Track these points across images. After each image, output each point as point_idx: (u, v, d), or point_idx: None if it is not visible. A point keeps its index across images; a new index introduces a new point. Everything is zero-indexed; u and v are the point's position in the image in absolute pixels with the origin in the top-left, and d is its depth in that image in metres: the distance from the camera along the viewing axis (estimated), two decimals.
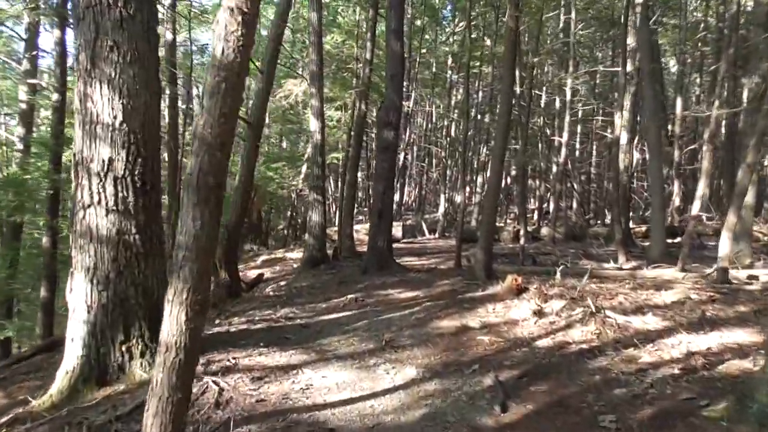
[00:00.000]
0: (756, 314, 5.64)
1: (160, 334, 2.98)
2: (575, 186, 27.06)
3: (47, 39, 23.54)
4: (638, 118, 19.88)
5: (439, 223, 21.88)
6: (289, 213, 22.78)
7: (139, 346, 4.76)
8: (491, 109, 25.78)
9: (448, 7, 26.93)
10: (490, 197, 8.42)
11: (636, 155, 22.07)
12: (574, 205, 27.86)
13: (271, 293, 9.21)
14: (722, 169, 20.79)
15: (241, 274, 15.33)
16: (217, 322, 7.14)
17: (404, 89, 26.00)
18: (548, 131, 27.37)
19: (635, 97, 13.24)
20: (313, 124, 12.23)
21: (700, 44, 21.20)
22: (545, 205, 26.35)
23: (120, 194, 4.73)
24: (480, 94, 26.73)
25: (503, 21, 17.81)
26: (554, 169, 26.35)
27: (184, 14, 14.83)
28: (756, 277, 8.12)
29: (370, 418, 3.81)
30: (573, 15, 16.34)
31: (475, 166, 26.19)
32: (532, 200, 29.52)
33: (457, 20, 25.68)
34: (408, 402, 4.06)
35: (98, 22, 4.63)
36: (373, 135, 21.28)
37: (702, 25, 20.76)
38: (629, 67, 13.14)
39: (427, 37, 28.88)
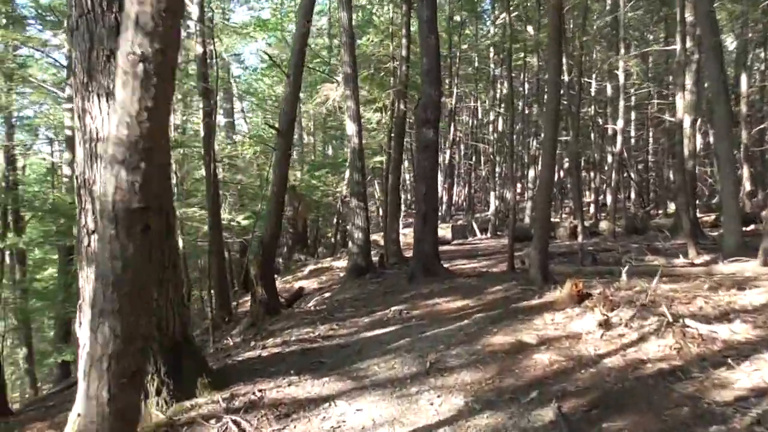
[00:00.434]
0: None
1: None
2: (632, 176, 25.63)
3: None
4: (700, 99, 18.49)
5: (491, 222, 21.03)
6: (335, 220, 22.42)
7: (155, 384, 4.33)
8: (539, 100, 24.73)
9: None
10: (543, 192, 7.68)
11: (698, 139, 20.60)
12: (632, 195, 26.40)
13: (312, 308, 8.74)
14: None
15: (288, 285, 15.15)
16: (252, 344, 6.71)
17: (446, 86, 25.33)
18: (600, 120, 26.07)
19: (698, 75, 12.15)
20: (350, 128, 11.75)
21: (762, 14, 19.56)
22: (601, 198, 25.08)
23: None
24: (526, 85, 25.71)
25: (545, 7, 16.94)
26: (609, 159, 25.11)
27: (216, 27, 14.69)
28: None
29: None
30: None
31: (525, 160, 25.19)
32: (587, 193, 28.21)
33: (497, 11, 24.77)
34: None
35: (92, 30, 4.22)
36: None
37: None
38: (688, 44, 12.08)
39: (467, 32, 28.07)
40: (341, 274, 12.78)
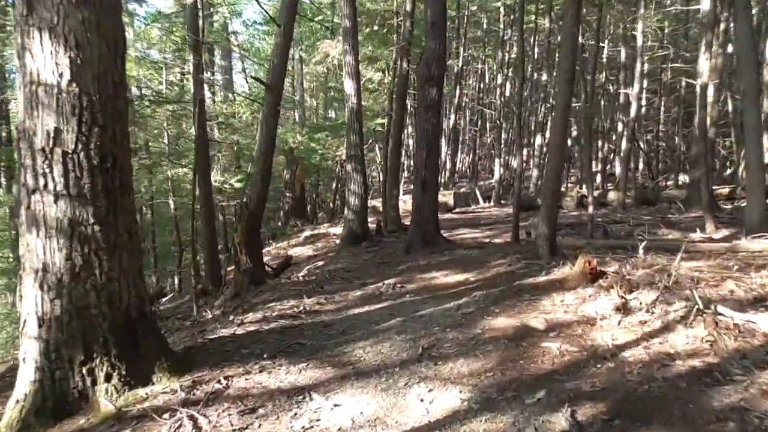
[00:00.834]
0: None
1: None
2: (641, 145, 24.75)
3: None
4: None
5: (495, 190, 20.35)
6: (334, 185, 21.77)
7: (104, 368, 3.75)
8: (549, 63, 23.74)
9: None
10: (554, 158, 6.98)
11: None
12: (640, 166, 25.57)
13: (302, 278, 8.15)
14: None
15: (282, 252, 14.58)
16: (231, 318, 6.14)
17: (453, 48, 24.28)
18: (611, 87, 25.03)
19: (725, 36, 11.27)
20: (348, 86, 10.99)
21: None
22: (609, 167, 24.27)
23: (71, 174, 3.67)
24: (536, 49, 24.62)
25: None
26: (620, 127, 24.22)
27: None
28: None
29: None
30: None
31: (532, 127, 24.32)
32: (593, 162, 27.38)
33: None
34: None
35: None
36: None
37: None
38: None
39: None
40: (338, 242, 12.19)
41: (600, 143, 24.66)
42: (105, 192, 3.83)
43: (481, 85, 30.98)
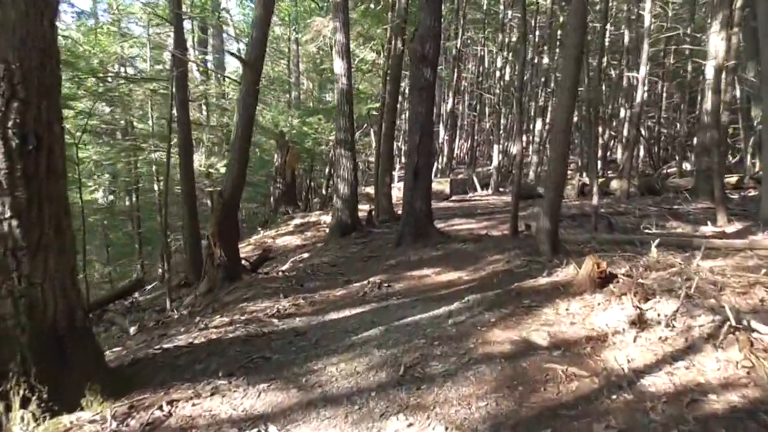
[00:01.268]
0: None
1: None
2: (642, 132, 24.04)
3: None
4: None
5: (493, 178, 19.68)
6: (327, 170, 21.05)
7: (21, 391, 3.11)
8: (551, 46, 22.99)
9: None
10: (558, 146, 6.31)
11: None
12: (641, 152, 24.88)
13: (282, 273, 7.53)
14: None
15: (269, 241, 13.95)
16: (197, 320, 5.52)
17: (452, 29, 23.47)
18: (612, 71, 24.25)
19: (742, 12, 10.56)
20: (338, 65, 10.29)
21: None
22: (609, 154, 23.59)
23: None
24: (537, 32, 23.78)
25: None
26: (622, 113, 23.49)
27: None
28: None
29: None
30: None
31: (532, 113, 23.59)
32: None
33: None
34: None
35: None
36: None
37: None
38: None
39: None
40: (328, 230, 11.57)
41: (600, 129, 23.96)
42: (26, 179, 3.19)
43: (480, 69, 30.13)
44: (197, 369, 3.87)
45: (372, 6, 14.66)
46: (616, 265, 5.15)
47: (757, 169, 14.60)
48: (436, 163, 23.61)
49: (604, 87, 21.54)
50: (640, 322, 3.76)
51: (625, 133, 22.94)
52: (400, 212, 11.61)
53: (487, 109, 31.65)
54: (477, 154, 29.64)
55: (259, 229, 16.83)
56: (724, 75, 10.32)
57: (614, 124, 25.40)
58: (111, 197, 15.84)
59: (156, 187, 15.17)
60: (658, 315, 3.83)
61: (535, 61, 23.55)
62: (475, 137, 29.24)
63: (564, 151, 6.31)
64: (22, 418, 3.09)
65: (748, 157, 15.75)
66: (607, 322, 3.91)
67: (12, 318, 3.15)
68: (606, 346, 3.59)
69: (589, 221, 9.35)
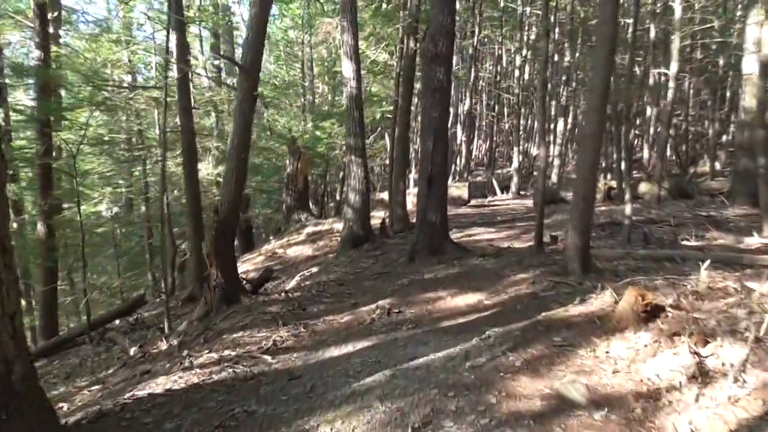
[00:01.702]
0: None
1: None
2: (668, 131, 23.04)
3: None
4: None
5: (513, 181, 18.93)
6: (341, 175, 20.48)
7: None
8: (572, 42, 22.16)
9: None
10: (588, 151, 5.60)
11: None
12: (667, 152, 23.85)
13: (284, 294, 6.91)
14: None
15: (280, 251, 13.40)
16: (185, 353, 4.94)
17: (469, 27, 22.76)
18: (637, 68, 23.30)
19: None
20: (347, 67, 9.69)
21: None
22: (635, 155, 22.64)
23: None
24: (557, 29, 22.93)
25: None
26: (647, 111, 22.55)
27: None
28: None
29: None
30: None
31: (553, 112, 22.75)
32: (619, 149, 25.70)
33: None
34: None
35: None
36: None
37: None
38: None
39: None
40: (339, 242, 10.98)
41: (623, 128, 23.03)
42: None
43: (498, 68, 29.34)
44: (167, 429, 3.26)
45: (383, 5, 14.07)
46: (660, 291, 4.44)
47: None
48: (453, 165, 22.92)
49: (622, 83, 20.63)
50: (700, 374, 3.06)
51: (651, 132, 22.10)
52: (415, 220, 10.99)
53: (505, 110, 30.87)
54: (495, 155, 28.87)
55: (271, 237, 16.33)
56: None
57: (638, 122, 24.48)
58: (116, 209, 15.43)
59: (164, 197, 14.71)
60: (723, 365, 3.13)
61: (556, 58, 22.71)
62: (494, 138, 28.48)
63: (594, 158, 5.61)
64: None
65: None
66: (659, 372, 3.21)
67: None
68: (661, 407, 2.90)
69: (620, 231, 8.61)
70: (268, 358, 4.42)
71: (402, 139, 12.09)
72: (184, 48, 10.37)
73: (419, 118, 20.26)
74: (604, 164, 20.98)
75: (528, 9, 22.60)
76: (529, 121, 29.71)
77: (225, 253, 6.44)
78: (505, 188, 19.86)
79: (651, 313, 3.84)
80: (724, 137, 23.23)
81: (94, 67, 10.87)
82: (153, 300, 12.62)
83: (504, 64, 29.46)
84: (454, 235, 9.16)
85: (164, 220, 8.48)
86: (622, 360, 3.47)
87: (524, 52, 22.10)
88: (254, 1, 6.50)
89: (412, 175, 19.45)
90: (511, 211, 14.28)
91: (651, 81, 20.73)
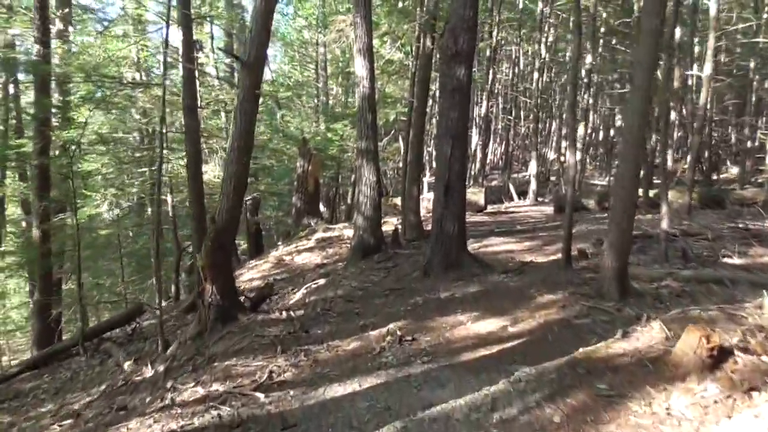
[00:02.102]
0: None
1: None
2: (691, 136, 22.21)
3: None
4: None
5: (531, 187, 18.22)
6: (352, 178, 19.92)
7: None
8: (595, 41, 21.38)
9: None
10: (629, 161, 4.94)
11: None
12: (688, 158, 22.99)
13: (286, 313, 6.29)
14: None
15: (288, 259, 12.82)
16: (169, 385, 4.35)
17: (486, 29, 22.07)
18: (659, 72, 22.47)
19: None
20: (359, 66, 9.11)
21: None
22: (659, 161, 21.78)
23: None
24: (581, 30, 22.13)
25: None
26: (672, 115, 21.70)
27: None
28: None
29: None
30: None
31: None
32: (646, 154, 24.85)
33: None
34: None
35: None
36: None
37: None
38: None
39: None
40: (349, 251, 10.40)
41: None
42: None
43: (515, 71, 28.63)
44: None
45: (399, 2, 13.48)
46: (718, 325, 3.78)
47: None
48: (468, 170, 22.26)
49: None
50: None
51: (674, 136, 21.29)
52: (429, 228, 10.37)
53: (522, 113, 30.13)
54: (512, 159, 28.13)
55: (279, 243, 15.79)
56: None
57: (659, 125, 23.61)
58: (117, 211, 14.98)
59: (169, 199, 14.24)
60: None
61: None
62: (511, 142, 27.77)
63: (636, 167, 4.97)
64: None
65: None
66: None
67: None
68: None
69: (652, 244, 7.92)
70: (260, 396, 3.83)
71: (416, 142, 11.49)
72: (189, 45, 9.87)
73: (434, 120, 19.68)
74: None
75: (547, 9, 21.92)
76: (547, 125, 28.97)
77: (222, 266, 5.86)
78: (522, 193, 19.18)
79: (717, 357, 3.19)
80: (749, 143, 22.38)
81: (97, 64, 10.37)
82: (153, 309, 12.13)
83: (521, 67, 28.72)
84: (471, 246, 8.52)
85: (156, 229, 7.99)
86: (687, 420, 2.82)
87: (543, 53, 21.37)
88: None
89: (426, 179, 18.82)
90: (530, 218, 13.60)
91: (676, 84, 19.95)
